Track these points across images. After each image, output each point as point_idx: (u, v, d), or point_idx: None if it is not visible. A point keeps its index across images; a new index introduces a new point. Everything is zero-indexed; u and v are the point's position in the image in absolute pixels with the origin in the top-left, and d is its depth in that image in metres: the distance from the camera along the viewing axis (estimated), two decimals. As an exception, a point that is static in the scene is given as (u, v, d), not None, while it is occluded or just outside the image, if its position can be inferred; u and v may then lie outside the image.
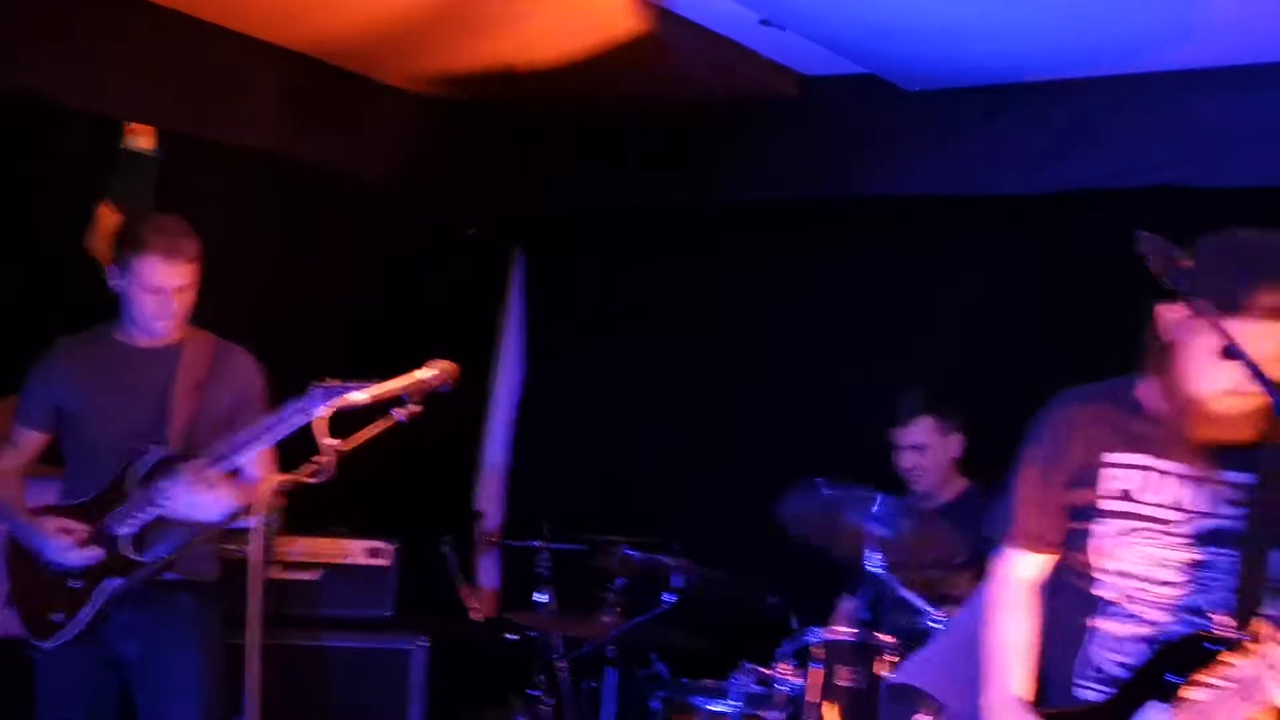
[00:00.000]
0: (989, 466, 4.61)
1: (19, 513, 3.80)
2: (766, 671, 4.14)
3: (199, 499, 3.60)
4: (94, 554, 3.71)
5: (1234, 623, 2.54)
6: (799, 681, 4.06)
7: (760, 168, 5.32)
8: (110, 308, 3.99)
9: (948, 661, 3.46)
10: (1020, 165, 4.86)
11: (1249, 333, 2.42)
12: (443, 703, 4.73)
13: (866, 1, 4.18)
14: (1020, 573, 2.80)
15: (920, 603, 4.18)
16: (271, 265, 4.94)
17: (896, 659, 4.01)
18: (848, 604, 4.66)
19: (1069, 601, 2.73)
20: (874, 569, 4.18)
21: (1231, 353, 2.42)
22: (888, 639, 4.02)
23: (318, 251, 5.28)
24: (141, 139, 4.78)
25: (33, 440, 3.88)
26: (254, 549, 2.80)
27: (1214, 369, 2.48)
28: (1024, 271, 4.94)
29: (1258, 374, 2.39)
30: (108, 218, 4.64)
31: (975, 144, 4.92)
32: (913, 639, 4.17)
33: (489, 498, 6.03)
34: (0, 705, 4.08)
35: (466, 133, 5.61)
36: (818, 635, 4.06)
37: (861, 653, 4.03)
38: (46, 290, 4.38)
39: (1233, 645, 2.51)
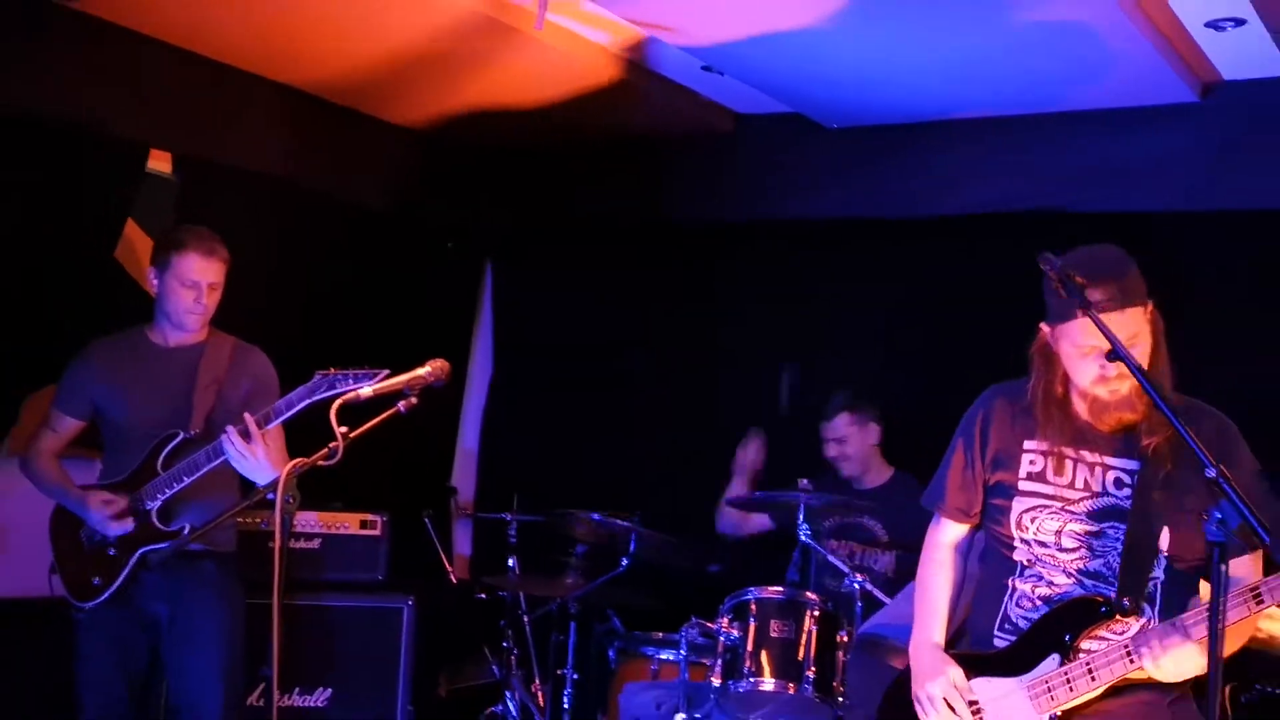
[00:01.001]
0: (913, 455, 4.71)
1: (67, 489, 3.77)
2: (710, 625, 4.13)
3: (250, 451, 3.54)
4: (130, 525, 3.68)
5: (1122, 588, 2.56)
6: (736, 633, 4.06)
7: (700, 192, 5.33)
8: (136, 309, 3.96)
9: (905, 613, 3.50)
10: (924, 192, 4.90)
11: (1089, 328, 2.46)
12: (427, 653, 4.70)
13: (793, 52, 4.18)
14: (945, 538, 2.86)
15: (843, 567, 4.21)
16: (277, 275, 4.88)
17: (819, 614, 4.04)
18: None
19: (994, 565, 2.76)
20: (804, 538, 4.20)
21: (1119, 356, 2.45)
22: (813, 597, 4.04)
23: (317, 263, 5.22)
24: (162, 164, 4.72)
25: (70, 426, 3.85)
26: (278, 522, 2.77)
27: (1082, 365, 2.54)
28: (928, 283, 4.97)
29: (1139, 372, 2.41)
30: (133, 232, 4.58)
31: (886, 174, 4.94)
32: (836, 598, 4.20)
33: (464, 476, 6.00)
34: (44, 658, 4.00)
35: (446, 161, 5.57)
36: (753, 594, 4.07)
37: (791, 609, 4.04)
38: (80, 294, 4.29)
39: (1121, 610, 2.55)
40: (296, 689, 4.47)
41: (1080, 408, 2.63)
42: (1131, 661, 2.50)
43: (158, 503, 3.69)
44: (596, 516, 4.59)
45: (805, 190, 5.11)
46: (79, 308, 4.24)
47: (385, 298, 5.50)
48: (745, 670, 3.99)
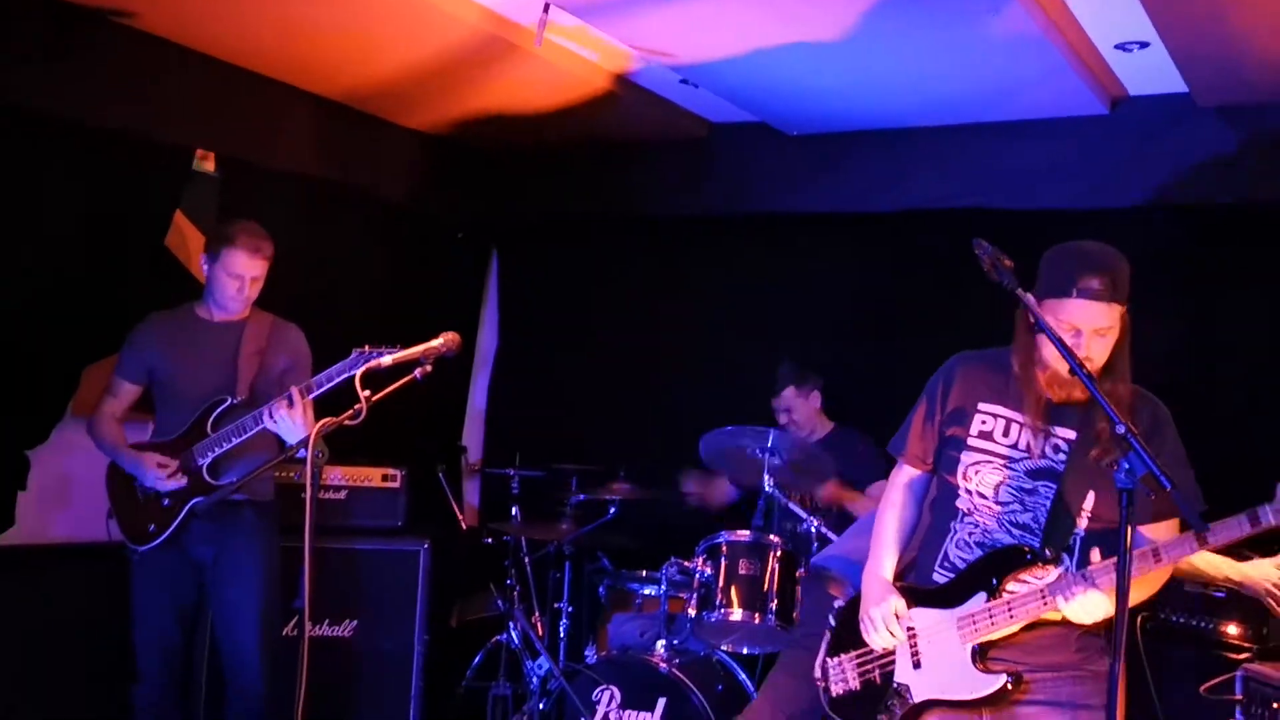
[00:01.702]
0: (851, 413, 4.72)
1: (124, 449, 3.75)
2: (687, 564, 4.15)
3: (290, 416, 3.51)
4: (181, 482, 3.66)
5: (1046, 539, 2.57)
6: (709, 571, 4.07)
7: (678, 190, 5.30)
8: (184, 290, 3.92)
9: (851, 549, 3.50)
10: (869, 191, 4.89)
11: (1076, 309, 2.46)
12: (440, 591, 4.68)
13: (760, 69, 4.16)
14: (902, 481, 2.85)
15: (802, 512, 4.21)
16: (308, 261, 4.85)
17: (781, 554, 4.04)
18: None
19: (940, 510, 2.77)
20: (767, 488, 4.20)
21: (1040, 328, 2.46)
22: (776, 539, 4.04)
23: (345, 251, 5.19)
24: (206, 163, 4.66)
25: (129, 391, 3.84)
26: (309, 473, 2.75)
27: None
28: (873, 268, 4.97)
29: (1060, 344, 2.41)
30: (182, 223, 4.53)
31: (839, 175, 4.92)
32: (795, 539, 4.21)
33: (473, 436, 5.97)
34: (102, 595, 3.99)
35: (457, 162, 5.54)
36: (724, 537, 4.08)
37: (757, 549, 4.04)
38: (136, 277, 4.25)
39: (1042, 559, 2.56)
40: (326, 621, 4.46)
41: (1039, 379, 2.60)
42: (1045, 604, 2.52)
43: (208, 459, 3.68)
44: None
45: (768, 189, 5.09)
46: (133, 289, 4.20)
47: (404, 281, 5.47)
48: (717, 603, 4.01)
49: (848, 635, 2.81)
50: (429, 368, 3.04)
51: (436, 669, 4.65)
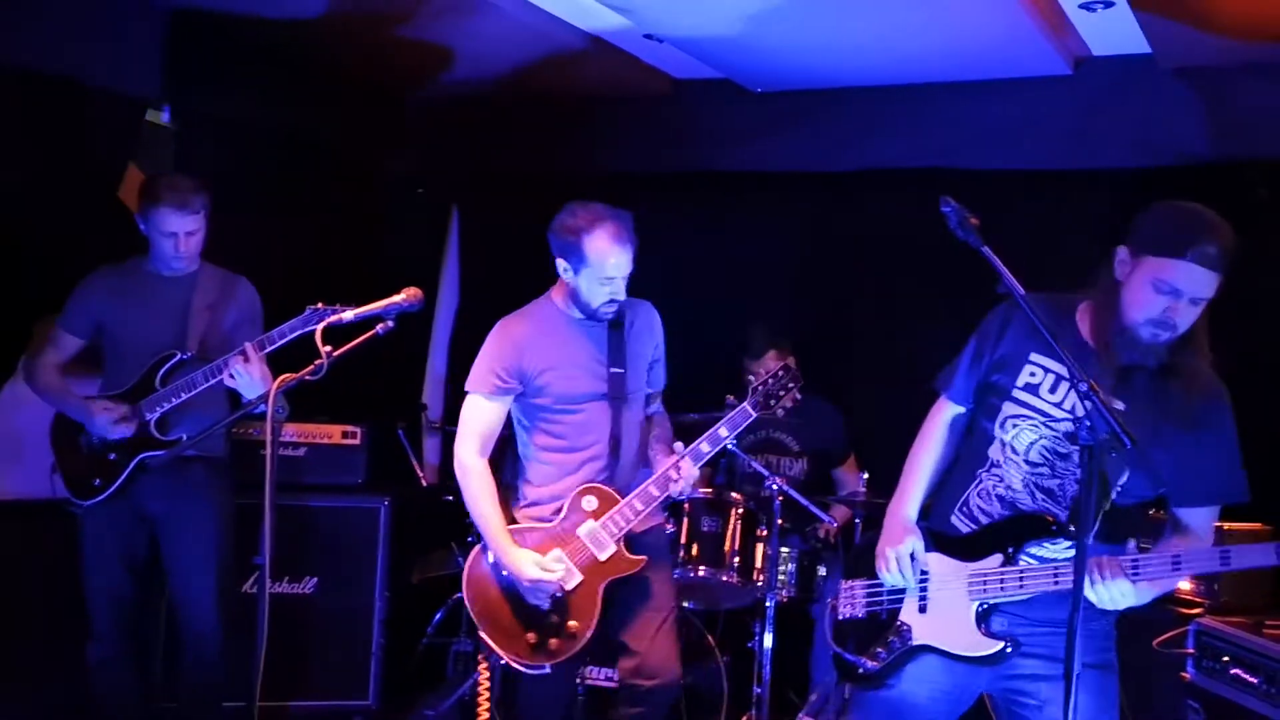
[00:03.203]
0: (812, 374, 4.70)
1: (68, 396, 3.66)
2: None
3: (248, 371, 3.44)
4: (129, 429, 3.58)
5: (1073, 513, 2.49)
6: (672, 528, 4.07)
7: (641, 147, 5.23)
8: (137, 245, 3.83)
9: None
10: (833, 149, 4.84)
11: (1185, 272, 2.35)
12: (400, 547, 4.65)
13: (724, 25, 4.10)
14: (943, 417, 2.76)
15: (765, 472, 4.21)
16: (266, 216, 4.75)
17: (742, 512, 4.03)
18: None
19: (971, 454, 2.69)
20: (730, 447, 4.19)
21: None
22: (738, 497, 4.04)
23: (302, 206, 5.08)
24: (160, 114, 4.53)
25: (72, 344, 3.76)
26: (269, 429, 2.70)
27: (1152, 300, 2.39)
28: (836, 227, 4.95)
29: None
30: (134, 176, 4.42)
31: (802, 133, 4.88)
32: (757, 500, 4.21)
33: (433, 394, 5.92)
34: (55, 553, 3.91)
35: (417, 116, 5.44)
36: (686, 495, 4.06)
37: (718, 507, 4.05)
38: (87, 231, 4.14)
39: (1066, 533, 2.50)
40: (286, 578, 4.42)
41: (1110, 340, 2.46)
42: (1057, 583, 2.48)
43: (156, 414, 3.62)
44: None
45: (732, 147, 5.03)
46: (86, 243, 4.08)
47: (363, 237, 5.39)
48: (679, 560, 4.00)
49: (865, 563, 2.77)
50: (391, 323, 3.01)
51: (397, 625, 4.62)
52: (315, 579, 4.45)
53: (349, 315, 3.00)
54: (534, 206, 5.91)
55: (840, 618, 2.78)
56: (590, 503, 3.26)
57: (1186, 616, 3.34)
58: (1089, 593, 2.39)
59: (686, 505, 4.04)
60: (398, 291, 3.05)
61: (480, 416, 3.30)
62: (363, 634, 4.47)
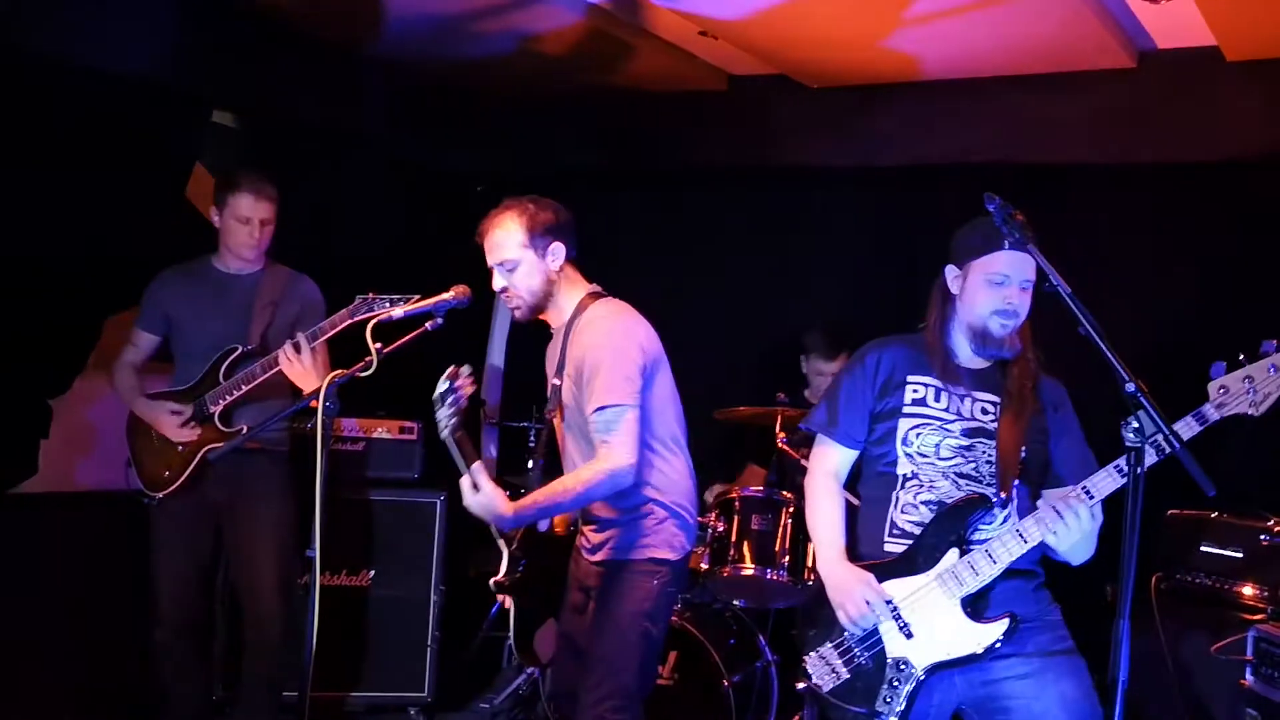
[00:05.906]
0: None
1: (140, 397, 3.80)
2: (700, 519, 4.14)
3: (300, 362, 3.53)
4: (195, 434, 3.70)
5: (1000, 486, 2.65)
6: (722, 527, 4.07)
7: (697, 144, 5.23)
8: (206, 242, 3.93)
9: None
10: (888, 144, 4.79)
11: (1004, 259, 2.64)
12: (456, 541, 4.70)
13: (781, 22, 4.08)
14: (830, 466, 2.88)
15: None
16: (327, 215, 4.85)
17: (793, 510, 4.02)
18: (754, 469, 4.66)
19: (876, 487, 2.79)
20: (781, 444, 4.18)
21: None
22: (789, 496, 4.03)
23: (363, 205, 5.18)
24: (228, 117, 4.65)
25: (147, 341, 3.88)
26: (320, 421, 2.76)
27: (988, 294, 2.66)
28: (892, 223, 4.89)
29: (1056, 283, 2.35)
30: (201, 176, 4.53)
31: (858, 129, 4.84)
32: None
33: (491, 389, 5.99)
34: (125, 544, 4.02)
35: (476, 114, 5.48)
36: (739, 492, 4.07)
37: (769, 505, 4.04)
38: (156, 229, 4.25)
39: (1001, 505, 2.65)
40: (344, 570, 4.49)
41: (959, 347, 2.75)
42: (1025, 541, 2.58)
43: (219, 406, 3.71)
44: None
45: (788, 143, 5.00)
46: (155, 241, 4.20)
47: (423, 235, 5.45)
48: (729, 558, 4.00)
49: (818, 629, 2.78)
50: (440, 320, 3.04)
51: (453, 619, 4.68)
52: (373, 571, 4.52)
53: (398, 312, 3.05)
54: (590, 203, 5.99)
55: (828, 690, 2.73)
56: None
57: (1247, 622, 3.26)
58: (1065, 529, 2.54)
59: (737, 504, 4.03)
60: (447, 289, 3.08)
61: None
62: (419, 627, 4.53)
